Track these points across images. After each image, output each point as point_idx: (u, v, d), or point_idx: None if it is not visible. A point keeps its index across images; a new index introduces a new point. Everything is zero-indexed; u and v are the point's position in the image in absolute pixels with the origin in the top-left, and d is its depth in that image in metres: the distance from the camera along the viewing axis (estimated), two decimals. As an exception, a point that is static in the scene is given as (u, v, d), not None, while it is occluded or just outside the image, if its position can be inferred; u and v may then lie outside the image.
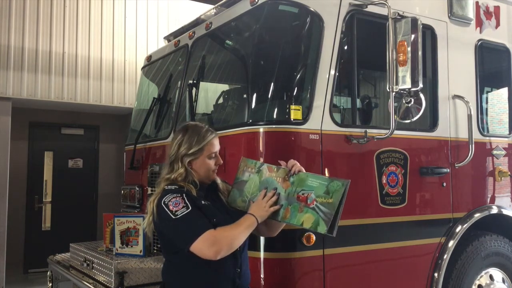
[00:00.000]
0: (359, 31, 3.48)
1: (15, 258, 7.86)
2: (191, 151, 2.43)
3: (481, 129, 4.13)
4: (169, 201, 2.29)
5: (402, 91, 3.23)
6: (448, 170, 3.81)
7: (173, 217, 2.24)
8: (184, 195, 2.32)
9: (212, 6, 4.41)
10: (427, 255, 3.68)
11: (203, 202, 2.37)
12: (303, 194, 2.37)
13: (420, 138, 3.76)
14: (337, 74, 3.36)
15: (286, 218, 2.39)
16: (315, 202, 2.32)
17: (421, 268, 3.66)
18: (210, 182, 2.55)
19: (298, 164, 2.47)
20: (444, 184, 3.80)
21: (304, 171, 2.45)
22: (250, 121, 3.36)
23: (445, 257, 3.69)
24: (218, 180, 2.61)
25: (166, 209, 2.27)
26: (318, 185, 2.35)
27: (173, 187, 2.38)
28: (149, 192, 4.36)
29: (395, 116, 3.30)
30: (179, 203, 2.27)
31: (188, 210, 2.25)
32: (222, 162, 2.56)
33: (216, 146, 2.52)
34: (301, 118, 3.18)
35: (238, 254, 2.40)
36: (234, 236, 2.27)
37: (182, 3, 8.54)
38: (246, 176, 2.55)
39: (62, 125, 8.84)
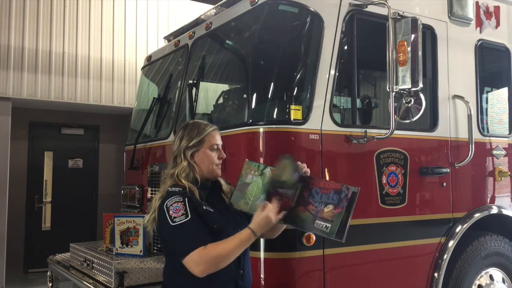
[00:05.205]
0: (359, 31, 3.48)
1: (15, 258, 7.86)
2: (192, 142, 2.44)
3: (481, 129, 4.13)
4: (171, 205, 2.27)
5: (402, 91, 3.23)
6: (448, 170, 3.81)
7: (171, 223, 2.23)
8: (186, 200, 2.29)
9: (212, 6, 4.41)
10: (427, 255, 3.68)
11: (204, 207, 2.35)
12: None
13: (420, 138, 3.76)
14: (337, 74, 3.36)
15: None
16: None
17: (421, 268, 3.66)
18: (213, 179, 2.53)
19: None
20: (444, 184, 3.80)
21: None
22: (250, 121, 3.36)
23: (445, 257, 3.69)
24: (222, 181, 2.60)
25: (166, 213, 2.27)
26: None
27: (177, 189, 2.36)
28: (149, 192, 4.36)
29: (395, 116, 3.30)
30: (179, 210, 2.25)
31: (187, 219, 2.23)
32: (225, 156, 2.54)
33: (217, 139, 2.51)
34: (301, 118, 3.18)
35: (241, 255, 2.36)
36: (222, 254, 2.20)
37: (182, 3, 8.54)
38: (249, 178, 2.53)
39: (62, 125, 8.84)
